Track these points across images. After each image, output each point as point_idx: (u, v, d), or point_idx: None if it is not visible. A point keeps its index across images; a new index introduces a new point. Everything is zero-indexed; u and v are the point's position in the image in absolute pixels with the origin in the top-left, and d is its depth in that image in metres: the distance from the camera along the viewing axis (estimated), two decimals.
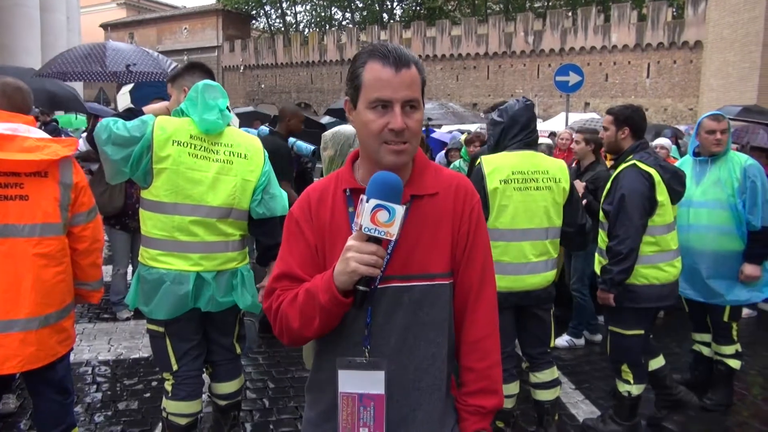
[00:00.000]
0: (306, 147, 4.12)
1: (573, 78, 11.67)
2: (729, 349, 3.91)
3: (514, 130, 3.17)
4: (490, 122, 3.33)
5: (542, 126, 16.15)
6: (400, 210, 1.23)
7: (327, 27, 44.05)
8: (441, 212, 1.42)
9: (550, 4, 37.05)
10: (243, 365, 3.14)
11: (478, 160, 3.21)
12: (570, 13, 32.30)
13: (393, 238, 1.24)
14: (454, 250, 1.43)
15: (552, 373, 3.32)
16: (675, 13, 29.04)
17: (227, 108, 2.69)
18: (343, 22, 45.13)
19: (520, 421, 3.63)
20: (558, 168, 3.17)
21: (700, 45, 25.89)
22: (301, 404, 3.82)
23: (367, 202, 1.23)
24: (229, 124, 2.73)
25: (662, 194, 3.31)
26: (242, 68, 42.27)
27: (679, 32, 27.89)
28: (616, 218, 3.30)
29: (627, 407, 3.48)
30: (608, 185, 3.50)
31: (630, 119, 3.47)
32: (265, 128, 4.96)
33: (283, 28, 45.99)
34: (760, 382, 4.47)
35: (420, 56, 30.78)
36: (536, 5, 37.85)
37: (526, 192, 3.07)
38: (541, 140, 5.67)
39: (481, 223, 1.47)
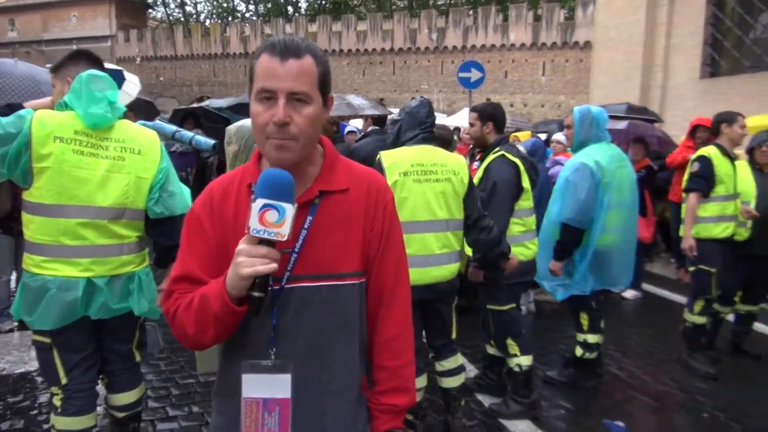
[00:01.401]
0: (206, 141, 3.96)
1: (475, 75, 12.01)
2: (579, 337, 4.14)
3: (412, 125, 3.26)
4: (390, 121, 3.41)
5: (446, 121, 16.56)
6: (290, 209, 1.16)
7: (230, 19, 42.75)
8: (352, 209, 1.37)
9: (452, 2, 38.03)
10: (143, 373, 2.98)
11: (378, 156, 3.24)
12: (471, 12, 33.34)
13: (284, 239, 1.16)
14: (366, 250, 1.38)
15: (456, 360, 3.41)
16: (567, 15, 30.71)
17: (117, 100, 2.52)
18: (247, 14, 44.05)
19: (429, 410, 3.71)
20: (456, 162, 3.27)
21: (589, 45, 27.50)
22: (207, 410, 3.69)
23: (254, 202, 1.16)
24: (121, 117, 2.57)
25: (525, 181, 3.63)
26: (139, 60, 40.14)
27: (571, 33, 29.62)
28: (488, 204, 3.52)
29: (522, 382, 3.67)
30: (479, 174, 3.72)
31: (492, 116, 3.78)
32: (143, 122, 4.66)
33: (182, 19, 44.16)
34: (645, 359, 4.83)
35: (326, 51, 30.63)
36: (439, 3, 38.74)
37: (426, 184, 3.13)
38: None
39: (394, 220, 1.43)
